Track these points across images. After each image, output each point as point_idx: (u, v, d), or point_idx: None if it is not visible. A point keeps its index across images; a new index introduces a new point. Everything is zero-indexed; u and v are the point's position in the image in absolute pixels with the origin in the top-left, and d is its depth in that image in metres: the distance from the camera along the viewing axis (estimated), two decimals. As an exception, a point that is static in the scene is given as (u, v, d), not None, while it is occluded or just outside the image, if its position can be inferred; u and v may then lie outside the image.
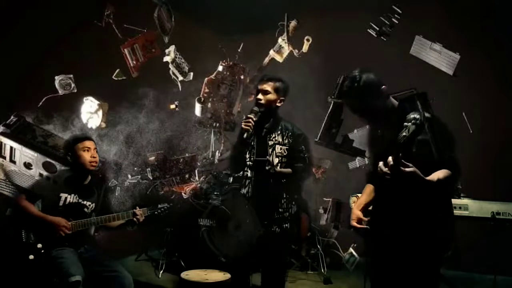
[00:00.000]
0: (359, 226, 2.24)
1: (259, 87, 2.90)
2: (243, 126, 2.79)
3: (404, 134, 1.81)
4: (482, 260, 3.77)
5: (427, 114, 1.80)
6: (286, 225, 2.92)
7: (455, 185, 3.23)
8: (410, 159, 1.89)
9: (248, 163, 2.94)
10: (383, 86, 2.11)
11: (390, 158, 1.87)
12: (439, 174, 1.97)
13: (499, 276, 3.53)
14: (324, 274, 4.15)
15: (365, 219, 2.22)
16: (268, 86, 2.87)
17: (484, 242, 3.64)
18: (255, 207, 2.91)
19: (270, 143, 2.91)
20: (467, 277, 4.17)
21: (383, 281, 2.16)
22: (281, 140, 2.91)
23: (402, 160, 1.85)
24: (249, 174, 2.93)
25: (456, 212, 3.31)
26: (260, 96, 2.87)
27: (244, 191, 2.95)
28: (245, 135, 2.78)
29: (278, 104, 2.92)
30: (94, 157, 2.94)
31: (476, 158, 3.87)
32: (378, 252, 2.18)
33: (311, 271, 4.31)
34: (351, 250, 3.81)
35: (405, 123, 1.82)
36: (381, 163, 1.93)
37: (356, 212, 2.28)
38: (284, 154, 2.90)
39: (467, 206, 3.36)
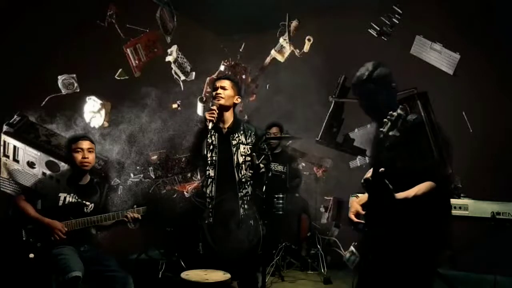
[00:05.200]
0: (356, 220, 2.23)
1: (217, 84, 3.08)
2: (208, 117, 2.94)
3: (382, 129, 1.82)
4: (482, 260, 3.77)
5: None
6: (251, 221, 3.00)
7: (450, 189, 3.20)
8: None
9: (211, 161, 3.03)
10: (393, 84, 2.10)
11: (370, 172, 1.89)
12: (417, 190, 1.97)
13: (499, 276, 3.53)
14: (324, 274, 4.15)
15: (363, 212, 2.21)
16: (226, 83, 3.06)
17: (484, 242, 3.64)
18: (218, 207, 2.99)
19: (234, 142, 3.05)
20: (467, 277, 4.17)
21: (372, 278, 2.14)
22: (244, 140, 3.06)
23: (385, 180, 1.87)
24: (211, 174, 3.01)
25: (456, 212, 3.32)
26: (219, 91, 3.04)
27: (207, 191, 3.02)
28: (210, 125, 2.92)
29: (236, 102, 3.10)
30: (85, 157, 2.92)
31: (476, 158, 3.89)
32: (369, 249, 2.18)
33: (311, 271, 4.32)
34: (352, 248, 3.81)
35: (384, 120, 1.83)
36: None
37: (355, 206, 2.26)
38: (248, 153, 3.05)
39: (467, 206, 3.36)
